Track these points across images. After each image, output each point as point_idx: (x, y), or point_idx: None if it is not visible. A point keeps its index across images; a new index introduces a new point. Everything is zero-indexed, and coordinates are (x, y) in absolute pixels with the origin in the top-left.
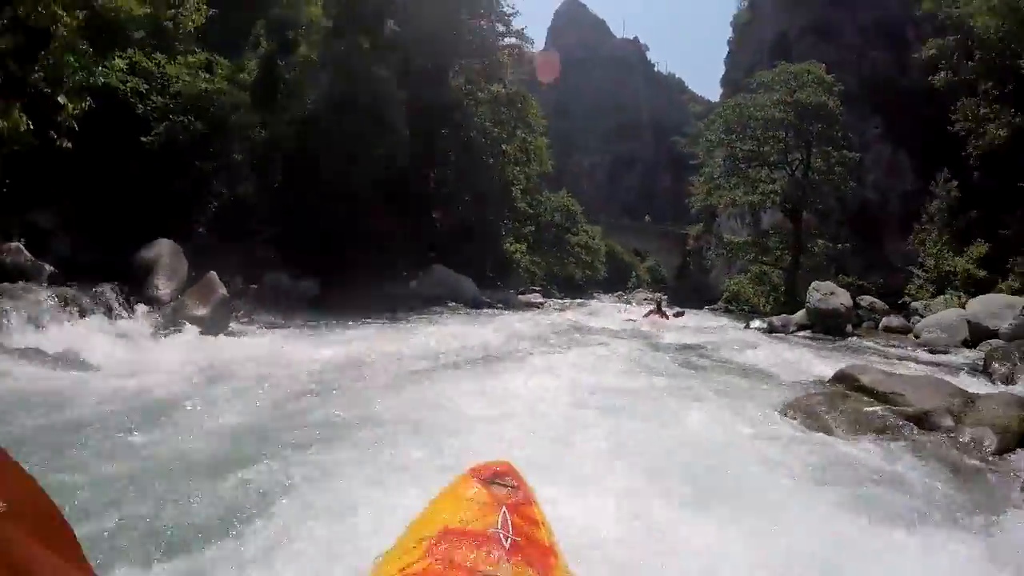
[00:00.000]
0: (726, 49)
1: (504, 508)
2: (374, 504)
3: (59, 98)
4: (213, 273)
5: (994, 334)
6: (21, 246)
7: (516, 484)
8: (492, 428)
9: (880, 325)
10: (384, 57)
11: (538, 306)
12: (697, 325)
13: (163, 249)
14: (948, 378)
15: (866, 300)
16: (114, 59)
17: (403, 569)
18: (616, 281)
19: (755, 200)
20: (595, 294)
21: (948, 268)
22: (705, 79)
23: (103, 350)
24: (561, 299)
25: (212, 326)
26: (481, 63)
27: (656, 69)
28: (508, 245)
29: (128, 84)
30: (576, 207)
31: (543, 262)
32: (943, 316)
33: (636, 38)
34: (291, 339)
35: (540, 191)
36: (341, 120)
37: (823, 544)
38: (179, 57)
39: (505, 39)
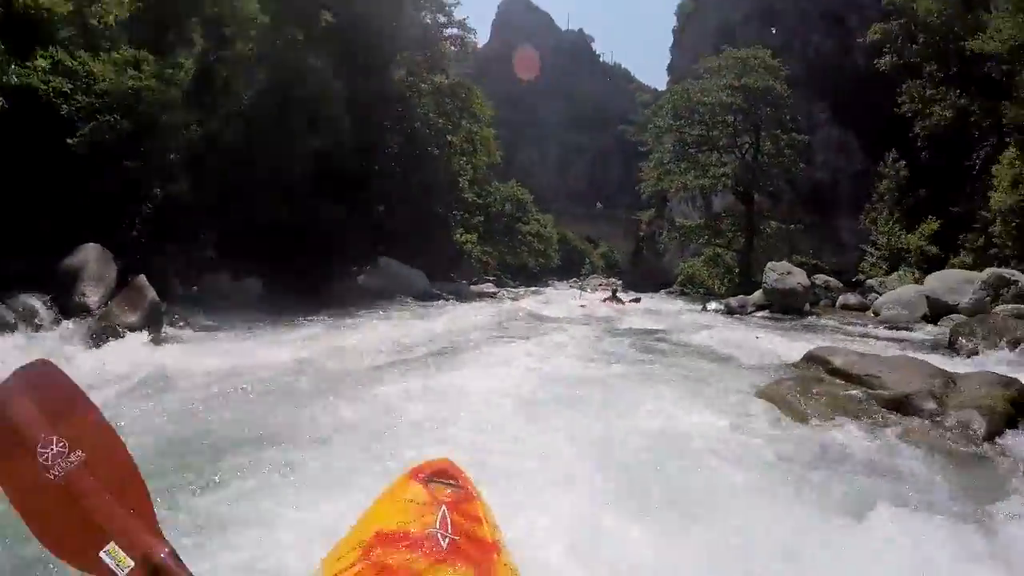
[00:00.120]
0: (671, 38)
1: (444, 507)
2: (308, 513)
3: None
4: (142, 276)
5: (954, 309)
6: None
7: (457, 482)
8: (438, 426)
9: (837, 303)
10: (320, 49)
11: (491, 296)
12: (654, 309)
13: (89, 254)
14: (919, 355)
15: (820, 279)
16: (36, 59)
17: (336, 575)
18: (570, 268)
19: (706, 184)
20: (549, 282)
21: (900, 246)
22: (651, 69)
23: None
24: (515, 288)
25: (143, 333)
26: (423, 54)
27: (602, 60)
28: (458, 236)
29: (51, 84)
30: (526, 196)
31: (495, 252)
32: (901, 292)
33: (581, 30)
34: (228, 342)
35: (489, 181)
36: (278, 114)
37: (808, 545)
38: (102, 54)
39: (447, 30)
